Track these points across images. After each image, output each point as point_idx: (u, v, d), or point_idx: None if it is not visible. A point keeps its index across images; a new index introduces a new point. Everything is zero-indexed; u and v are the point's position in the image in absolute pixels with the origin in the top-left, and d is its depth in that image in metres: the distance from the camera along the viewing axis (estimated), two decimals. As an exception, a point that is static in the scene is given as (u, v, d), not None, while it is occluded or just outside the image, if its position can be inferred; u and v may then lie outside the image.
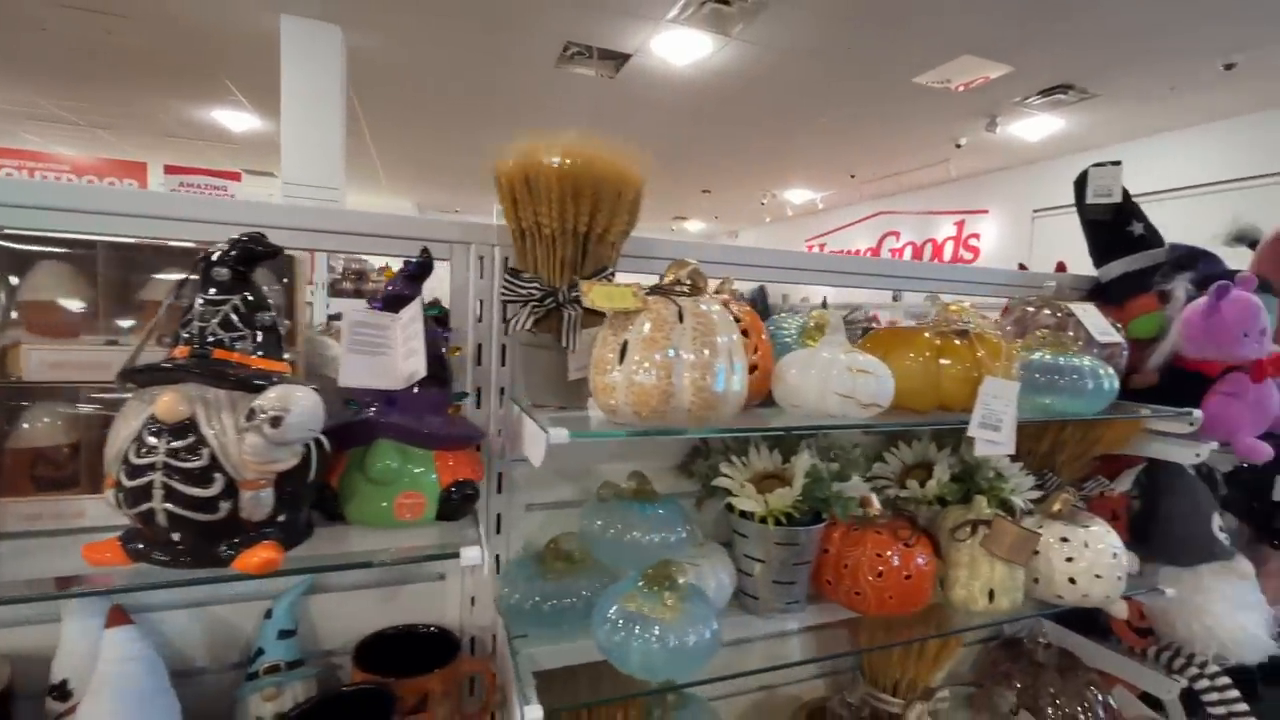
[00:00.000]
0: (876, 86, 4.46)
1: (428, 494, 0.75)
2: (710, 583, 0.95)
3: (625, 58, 4.08)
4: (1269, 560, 1.46)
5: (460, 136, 5.86)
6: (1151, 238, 1.32)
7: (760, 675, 1.22)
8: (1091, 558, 1.03)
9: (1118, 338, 1.12)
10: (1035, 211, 6.08)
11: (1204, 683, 1.19)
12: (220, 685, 0.85)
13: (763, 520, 0.95)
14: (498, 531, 0.98)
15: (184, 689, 0.83)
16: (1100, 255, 1.38)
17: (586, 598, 0.87)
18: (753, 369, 0.91)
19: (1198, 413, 1.12)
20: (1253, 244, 1.49)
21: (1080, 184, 1.39)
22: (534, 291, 0.81)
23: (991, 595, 0.99)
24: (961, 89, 4.41)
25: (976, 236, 6.98)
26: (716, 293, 0.97)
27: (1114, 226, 1.34)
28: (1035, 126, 5.19)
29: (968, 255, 6.97)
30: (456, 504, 0.77)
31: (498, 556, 0.98)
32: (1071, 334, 1.14)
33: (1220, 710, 1.18)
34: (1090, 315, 1.14)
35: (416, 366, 0.73)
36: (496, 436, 0.96)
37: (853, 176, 7.67)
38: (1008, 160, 6.30)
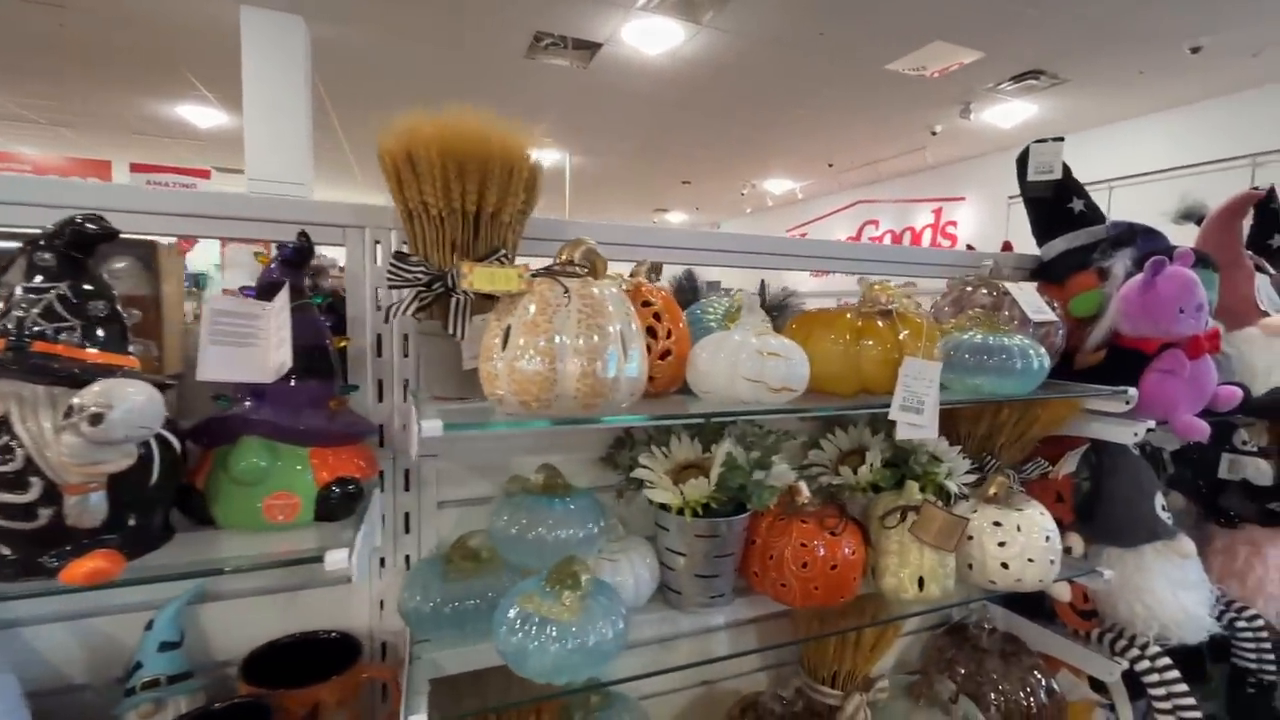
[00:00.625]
0: (850, 74, 4.43)
1: (302, 494, 0.70)
2: (628, 579, 0.91)
3: (597, 47, 4.02)
4: (1215, 538, 1.46)
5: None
6: (1092, 214, 1.30)
7: (700, 671, 1.19)
8: (1024, 542, 1.00)
9: (1052, 316, 1.10)
10: (1010, 198, 6.07)
11: (1145, 664, 1.18)
12: (102, 703, 0.80)
13: (680, 512, 0.91)
14: (406, 531, 0.94)
15: (62, 707, 0.79)
16: (1042, 233, 1.35)
17: (491, 599, 0.83)
18: (665, 354, 0.87)
19: (1133, 391, 1.10)
20: (1199, 220, 1.47)
21: (1022, 161, 1.36)
22: (420, 276, 0.76)
23: (921, 583, 0.96)
24: (935, 75, 4.39)
25: (954, 224, 7.00)
26: (632, 275, 0.93)
27: (1054, 204, 1.32)
28: (1009, 113, 5.19)
29: (945, 242, 6.98)
30: (337, 504, 0.72)
31: (408, 557, 0.94)
32: (1007, 314, 1.11)
33: (1160, 691, 1.17)
34: (1025, 294, 1.11)
35: (285, 358, 0.69)
36: (401, 431, 0.91)
37: (830, 165, 7.66)
38: (983, 147, 6.31)
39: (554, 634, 0.73)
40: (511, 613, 0.75)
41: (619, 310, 0.72)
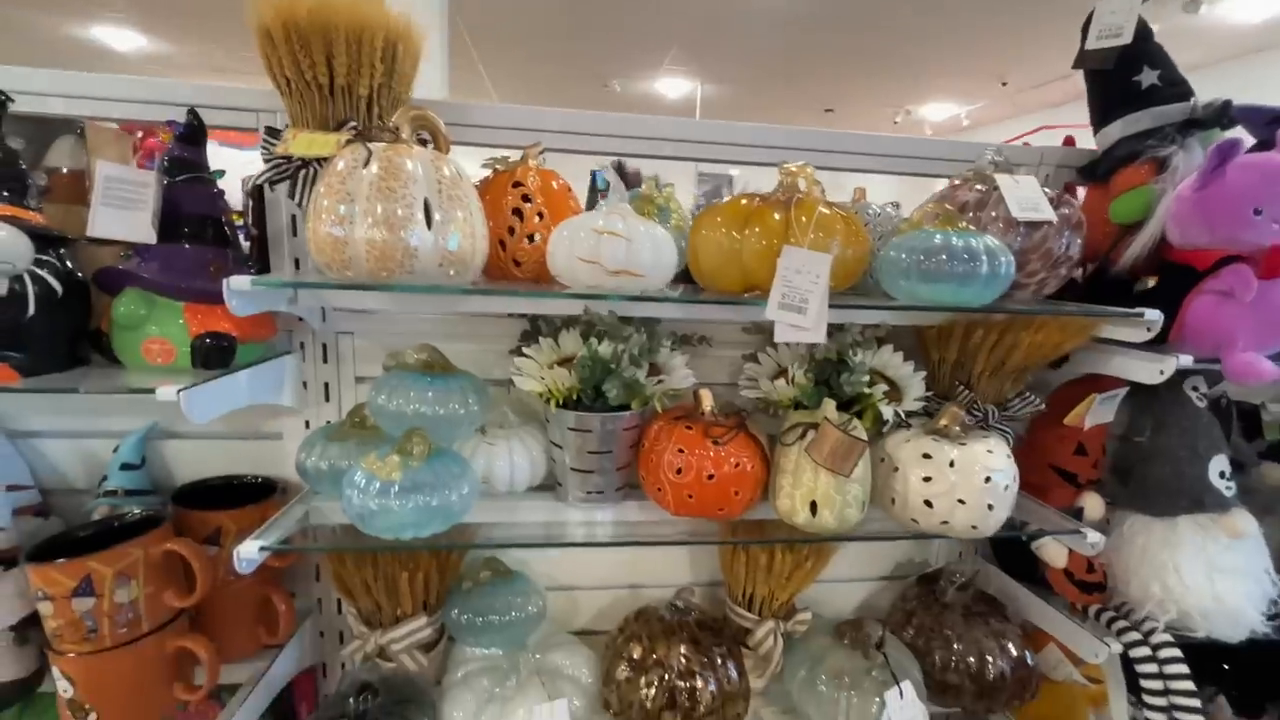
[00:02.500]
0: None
1: (177, 342, 0.81)
2: (503, 464, 0.93)
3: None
4: (1325, 529, 1.12)
5: (561, 44, 5.63)
6: (1169, 90, 0.98)
7: (629, 574, 1.19)
8: (955, 480, 0.85)
9: (1046, 215, 0.87)
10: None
11: (1142, 650, 0.96)
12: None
13: (554, 403, 0.90)
14: (327, 400, 1.03)
15: (67, 504, 1.01)
16: (1100, 117, 1.06)
17: (364, 461, 0.89)
18: (532, 238, 0.85)
19: (1153, 314, 0.86)
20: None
21: (1086, 26, 1.06)
22: (277, 148, 0.80)
23: (814, 508, 0.86)
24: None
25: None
26: (523, 160, 0.90)
27: (1118, 76, 1.02)
28: (1253, 3, 4.03)
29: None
30: (209, 354, 0.81)
31: (328, 422, 1.04)
32: (993, 214, 0.91)
33: (1155, 685, 0.95)
34: (1019, 187, 0.90)
35: (154, 222, 0.78)
36: (319, 310, 0.99)
37: (1004, 84, 6.58)
38: (1216, 53, 5.00)
39: (391, 492, 0.77)
40: (356, 475, 0.81)
41: (427, 178, 0.70)
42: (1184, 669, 0.94)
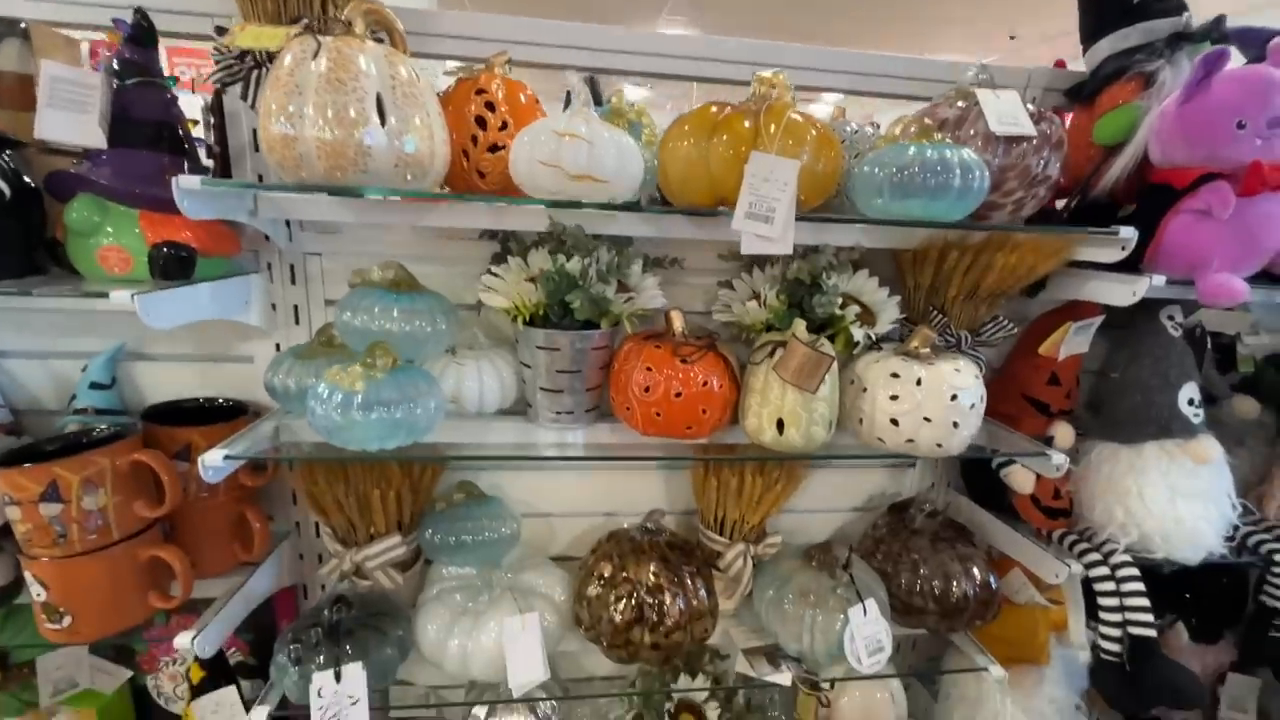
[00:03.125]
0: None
1: (134, 250, 0.79)
2: (472, 384, 0.92)
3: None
4: (1289, 459, 1.13)
5: None
6: (1158, 3, 0.95)
7: (604, 502, 1.20)
8: (921, 398, 0.85)
9: (1025, 129, 0.85)
10: None
11: (1101, 570, 0.98)
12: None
13: (520, 320, 0.89)
14: (296, 323, 1.03)
15: (40, 423, 1.01)
16: (1088, 35, 1.02)
17: (333, 378, 0.89)
18: (495, 147, 0.83)
19: (1127, 231, 0.85)
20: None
21: (1079, -63, 1.02)
22: (229, 49, 0.77)
23: (781, 426, 0.87)
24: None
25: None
26: (488, 68, 0.87)
27: (1109, -9, 0.98)
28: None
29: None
30: (169, 264, 0.80)
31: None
32: (971, 131, 0.89)
33: (1111, 601, 0.98)
34: (998, 101, 0.87)
35: (105, 126, 0.75)
36: (284, 226, 0.97)
37: (1013, 38, 6.40)
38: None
39: (353, 404, 0.77)
40: (319, 387, 0.80)
41: (380, 75, 0.68)
42: (1140, 587, 0.97)
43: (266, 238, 0.96)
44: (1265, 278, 0.91)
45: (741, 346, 1.03)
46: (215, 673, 0.98)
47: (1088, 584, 1.02)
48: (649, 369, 0.87)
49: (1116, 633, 0.98)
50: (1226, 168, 0.84)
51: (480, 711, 1.13)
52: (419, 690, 1.28)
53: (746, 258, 1.05)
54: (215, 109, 0.95)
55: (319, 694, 0.85)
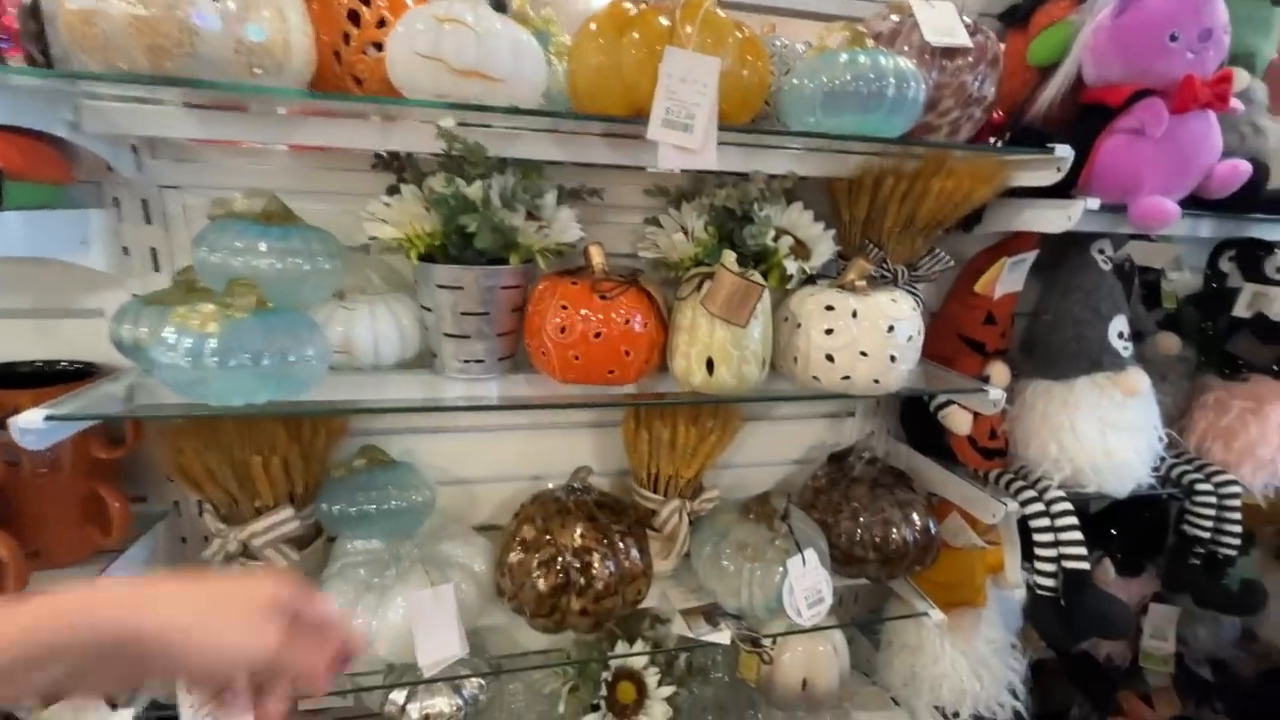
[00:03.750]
0: None
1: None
2: (362, 330, 0.81)
3: None
4: (1207, 391, 1.15)
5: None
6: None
7: (529, 466, 1.11)
8: (857, 332, 0.80)
9: (961, 40, 0.80)
10: None
11: (1036, 506, 0.97)
12: None
13: (414, 254, 0.78)
14: (155, 269, 0.88)
15: None
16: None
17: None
18: (378, 46, 0.71)
19: (1063, 150, 0.81)
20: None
21: None
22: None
23: (711, 366, 0.80)
24: None
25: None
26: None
27: (1043, -95, 0.94)
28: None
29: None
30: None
31: (160, 296, 0.89)
32: (906, 48, 0.83)
33: (1046, 537, 0.97)
34: (932, 11, 0.81)
35: None
36: (129, 152, 0.82)
37: None
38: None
39: (205, 349, 0.65)
40: (165, 332, 0.67)
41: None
42: (1074, 521, 0.96)
43: (109, 167, 0.81)
44: (1194, 202, 0.89)
45: (670, 290, 0.95)
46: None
47: (1023, 524, 1.01)
48: (564, 307, 0.78)
49: (1051, 568, 0.98)
50: (1159, 84, 0.81)
51: (399, 696, 1.04)
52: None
53: (674, 193, 0.97)
54: (33, 12, 0.78)
55: (191, 690, 0.74)
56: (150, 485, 0.98)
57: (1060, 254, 1.04)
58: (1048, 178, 0.84)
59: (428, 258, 0.79)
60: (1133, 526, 1.25)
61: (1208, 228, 1.05)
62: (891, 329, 0.80)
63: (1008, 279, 1.02)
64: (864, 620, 1.35)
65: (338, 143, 0.77)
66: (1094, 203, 0.83)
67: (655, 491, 1.02)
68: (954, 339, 1.07)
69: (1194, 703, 1.32)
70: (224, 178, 0.87)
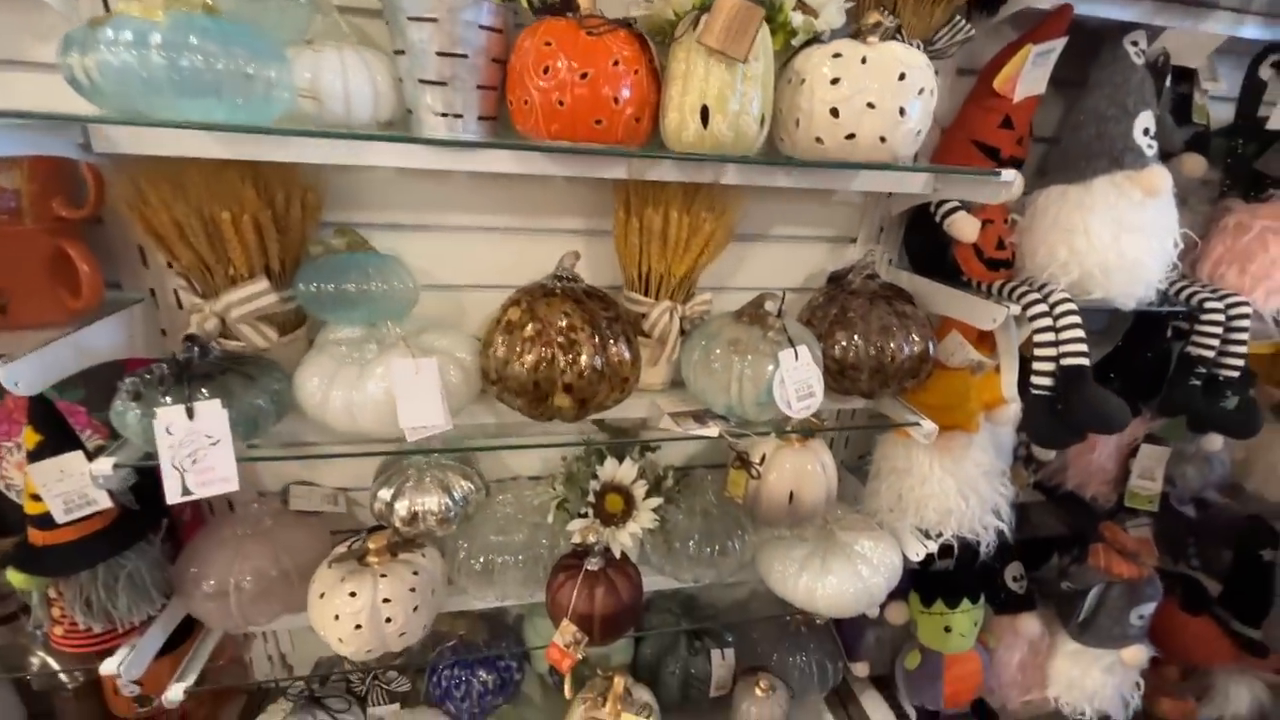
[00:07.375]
0: None
1: None
2: (331, 76, 0.75)
3: None
4: (1229, 213, 1.10)
5: None
6: None
7: (520, 270, 1.07)
8: (866, 81, 0.74)
9: None
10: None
11: (1039, 308, 0.94)
12: None
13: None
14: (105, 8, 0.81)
15: None
16: None
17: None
18: None
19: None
20: None
21: None
22: None
23: (705, 116, 0.74)
24: None
25: None
26: None
27: None
28: None
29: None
30: None
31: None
32: None
33: (1048, 337, 0.94)
34: None
35: None
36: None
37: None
38: None
39: (150, 40, 0.60)
40: (107, 29, 0.62)
41: None
42: (1076, 320, 0.93)
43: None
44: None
45: (665, 53, 0.88)
46: (53, 436, 0.84)
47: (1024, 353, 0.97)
48: (548, 44, 0.72)
49: (1050, 367, 0.95)
50: None
51: (386, 493, 1.05)
52: (325, 490, 1.19)
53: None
54: None
55: (168, 431, 0.73)
56: (124, 270, 0.95)
57: (1092, 46, 0.97)
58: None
59: (399, -14, 0.73)
60: (1132, 366, 1.22)
61: (1252, 28, 0.98)
62: (903, 76, 0.74)
63: (1030, 75, 0.95)
64: (855, 426, 1.34)
65: None
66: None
67: (646, 295, 0.99)
68: (967, 145, 1.00)
69: (1170, 541, 1.34)
70: None
